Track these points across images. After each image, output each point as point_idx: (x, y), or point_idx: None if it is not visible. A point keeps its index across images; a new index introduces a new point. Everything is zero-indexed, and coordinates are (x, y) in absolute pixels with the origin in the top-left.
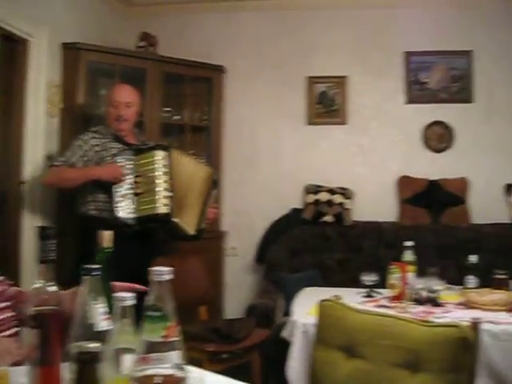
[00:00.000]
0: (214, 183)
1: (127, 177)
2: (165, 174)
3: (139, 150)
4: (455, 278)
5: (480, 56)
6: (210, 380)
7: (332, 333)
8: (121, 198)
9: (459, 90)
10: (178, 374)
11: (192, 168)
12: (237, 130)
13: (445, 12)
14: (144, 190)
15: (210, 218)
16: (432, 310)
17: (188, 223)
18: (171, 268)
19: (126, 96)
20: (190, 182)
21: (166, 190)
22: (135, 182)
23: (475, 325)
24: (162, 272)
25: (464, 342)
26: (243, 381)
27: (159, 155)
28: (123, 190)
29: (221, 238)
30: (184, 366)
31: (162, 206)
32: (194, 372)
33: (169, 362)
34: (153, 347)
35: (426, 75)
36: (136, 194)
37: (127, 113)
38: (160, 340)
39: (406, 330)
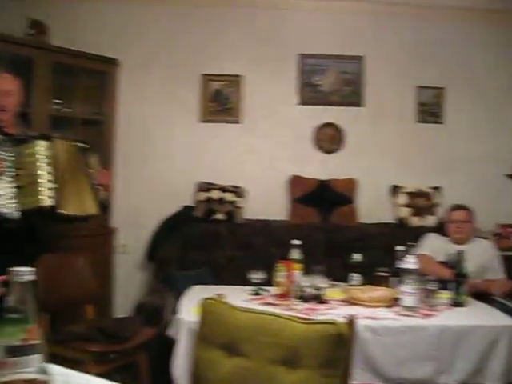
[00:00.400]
0: (85, 151)
1: (7, 169)
2: (48, 164)
3: (20, 141)
4: (342, 276)
5: (370, 61)
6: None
7: (214, 331)
8: (1, 192)
9: (350, 93)
10: (42, 377)
11: (73, 153)
12: (130, 125)
13: (339, 17)
14: (26, 183)
15: (105, 185)
16: (316, 307)
17: (82, 208)
18: (33, 268)
19: (5, 84)
20: (72, 167)
21: (49, 181)
22: (16, 175)
23: (351, 321)
24: (23, 272)
25: (339, 338)
26: (131, 380)
27: (41, 145)
28: (3, 183)
29: (111, 235)
30: (48, 369)
31: (45, 198)
32: (60, 374)
33: (31, 366)
34: (12, 351)
35: (319, 78)
36: (18, 187)
37: (7, 102)
38: (19, 343)
39: (285, 327)
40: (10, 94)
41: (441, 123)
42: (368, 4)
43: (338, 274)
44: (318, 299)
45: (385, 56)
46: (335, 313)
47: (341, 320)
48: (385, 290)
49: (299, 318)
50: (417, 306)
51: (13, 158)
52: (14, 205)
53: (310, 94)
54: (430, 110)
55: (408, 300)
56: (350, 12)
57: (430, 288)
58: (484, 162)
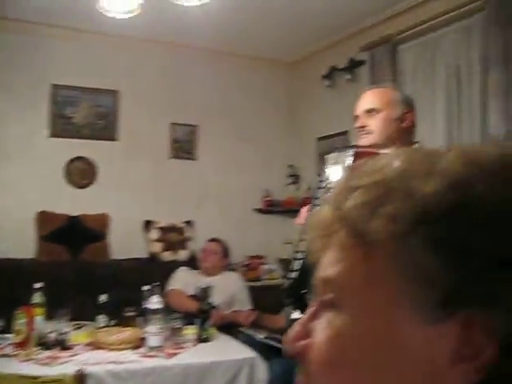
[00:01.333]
0: None
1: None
2: None
3: None
4: (93, 316)
5: (126, 96)
6: None
7: None
8: None
9: (104, 127)
10: None
11: None
12: None
13: (95, 49)
14: None
15: None
16: (59, 355)
17: None
18: None
19: None
20: None
21: None
22: None
23: (80, 375)
24: None
25: None
26: None
27: None
28: None
29: None
30: None
31: None
32: None
33: None
34: None
35: (73, 110)
36: None
37: None
38: None
39: None
40: None
41: (194, 159)
42: (124, 40)
43: (90, 314)
44: (62, 345)
45: (141, 92)
46: (79, 359)
47: (69, 374)
48: (131, 330)
49: (23, 376)
50: (162, 345)
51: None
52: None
53: (63, 127)
54: (183, 146)
55: (153, 340)
56: (106, 46)
57: (175, 326)
58: (235, 196)
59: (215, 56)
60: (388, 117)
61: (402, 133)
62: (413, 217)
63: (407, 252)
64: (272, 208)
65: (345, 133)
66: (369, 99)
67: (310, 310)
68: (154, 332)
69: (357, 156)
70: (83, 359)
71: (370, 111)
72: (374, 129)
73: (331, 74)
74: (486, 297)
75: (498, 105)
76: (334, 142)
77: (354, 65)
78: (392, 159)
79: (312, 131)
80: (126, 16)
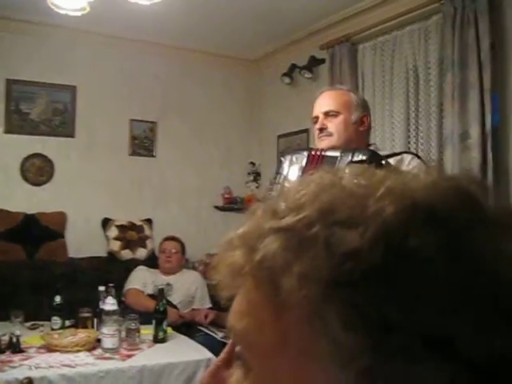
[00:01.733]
0: None
1: None
2: None
3: None
4: (50, 316)
5: (84, 92)
6: None
7: None
8: None
9: (61, 123)
10: None
11: None
12: None
13: (51, 43)
14: None
15: None
16: (11, 359)
17: None
18: None
19: None
20: None
21: None
22: None
23: (28, 382)
24: None
25: None
26: None
27: None
28: None
29: None
30: None
31: None
32: None
33: None
34: None
35: (29, 106)
36: None
37: None
38: None
39: None
40: None
41: (153, 156)
42: (81, 34)
43: (46, 315)
44: (15, 348)
45: (99, 87)
46: (33, 362)
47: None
48: (86, 332)
49: None
50: (117, 347)
51: None
52: None
53: (18, 123)
54: (142, 143)
55: (108, 342)
56: (63, 40)
57: (131, 327)
58: (195, 194)
59: (175, 52)
60: (347, 120)
61: (360, 135)
62: (328, 279)
63: (320, 321)
64: (232, 205)
65: (305, 130)
66: (328, 101)
67: (222, 355)
68: (109, 333)
69: (310, 159)
70: (37, 362)
71: (329, 113)
72: (333, 131)
73: (291, 71)
74: (406, 382)
75: (455, 106)
76: (295, 139)
77: (314, 63)
78: (318, 192)
79: (272, 129)
80: (79, 13)
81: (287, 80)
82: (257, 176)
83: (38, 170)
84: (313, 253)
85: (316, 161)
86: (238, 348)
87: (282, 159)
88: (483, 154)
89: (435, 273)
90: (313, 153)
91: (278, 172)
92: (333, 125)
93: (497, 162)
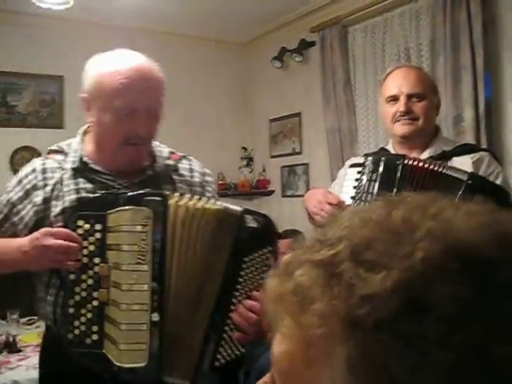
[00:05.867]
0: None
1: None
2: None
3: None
4: None
5: (71, 82)
6: None
7: None
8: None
9: (49, 114)
10: None
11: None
12: None
13: (36, 33)
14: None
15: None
16: (8, 359)
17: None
18: None
19: None
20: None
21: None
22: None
23: None
24: None
25: None
26: None
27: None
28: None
29: None
30: None
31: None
32: None
33: None
34: None
35: (16, 98)
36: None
37: None
38: None
39: None
40: None
41: None
42: (66, 23)
43: None
44: (11, 348)
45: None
46: (29, 363)
47: None
48: None
49: None
50: None
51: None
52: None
53: (6, 116)
54: None
55: None
56: (48, 29)
57: None
58: None
59: (164, 38)
60: (432, 104)
61: (434, 122)
62: (344, 319)
63: (330, 358)
64: (227, 191)
65: (297, 114)
66: (414, 81)
67: (265, 379)
68: None
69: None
70: (34, 362)
71: (414, 95)
72: (420, 115)
73: (282, 55)
74: None
75: (448, 88)
76: (287, 123)
77: (304, 46)
78: (359, 226)
79: (264, 113)
80: (62, 7)
81: (278, 64)
82: (250, 161)
83: (27, 162)
84: (336, 291)
85: (423, 174)
86: (274, 375)
87: (366, 162)
88: (477, 137)
89: (447, 335)
90: (417, 164)
91: (358, 181)
92: (419, 109)
93: (491, 145)
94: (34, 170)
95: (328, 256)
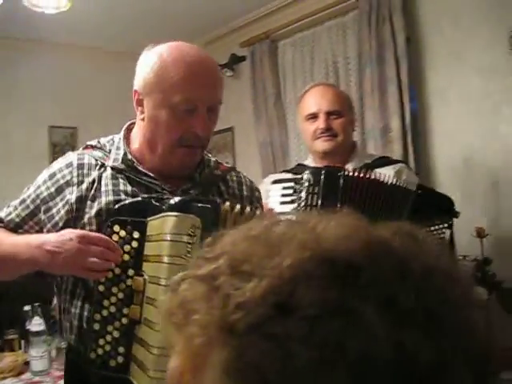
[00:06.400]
0: None
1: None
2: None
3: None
4: None
5: None
6: None
7: None
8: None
9: None
10: None
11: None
12: None
13: None
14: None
15: None
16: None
17: None
18: None
19: None
20: None
21: None
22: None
23: None
24: None
25: None
26: None
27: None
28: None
29: None
30: None
31: None
32: None
33: None
34: None
35: None
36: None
37: None
38: None
39: None
40: None
41: None
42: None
43: None
44: None
45: (20, 95)
46: None
47: None
48: (13, 356)
49: None
50: (47, 368)
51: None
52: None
53: None
54: (63, 150)
55: (37, 364)
56: None
57: (62, 346)
58: None
59: (89, 53)
60: (350, 121)
61: (351, 137)
62: (219, 326)
63: (209, 365)
64: None
65: (230, 129)
66: (332, 99)
67: None
68: (37, 355)
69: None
70: None
71: (332, 113)
72: (339, 132)
73: None
74: None
75: (375, 100)
76: (220, 138)
77: (235, 61)
78: (239, 241)
79: None
80: (54, 11)
81: None
82: None
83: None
84: (215, 302)
85: (365, 185)
86: None
87: (303, 176)
88: (404, 146)
89: (309, 334)
90: (358, 175)
91: (291, 196)
92: (338, 125)
93: (417, 153)
94: (69, 165)
95: (209, 270)
